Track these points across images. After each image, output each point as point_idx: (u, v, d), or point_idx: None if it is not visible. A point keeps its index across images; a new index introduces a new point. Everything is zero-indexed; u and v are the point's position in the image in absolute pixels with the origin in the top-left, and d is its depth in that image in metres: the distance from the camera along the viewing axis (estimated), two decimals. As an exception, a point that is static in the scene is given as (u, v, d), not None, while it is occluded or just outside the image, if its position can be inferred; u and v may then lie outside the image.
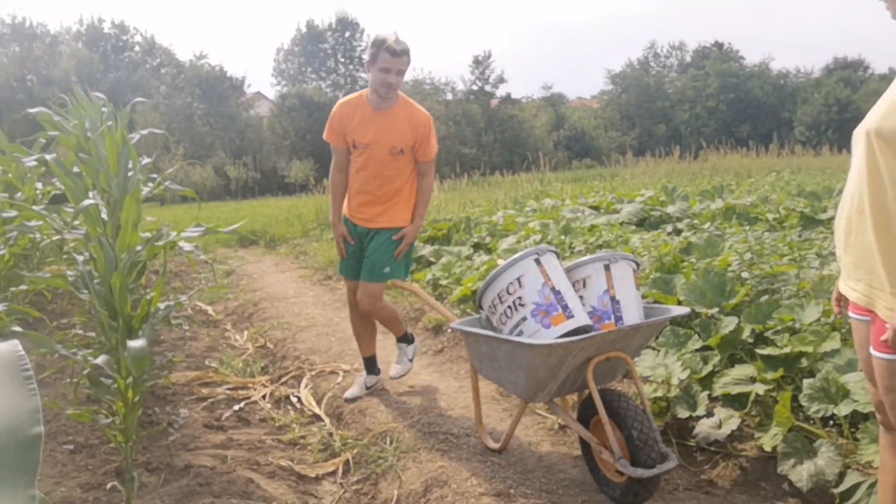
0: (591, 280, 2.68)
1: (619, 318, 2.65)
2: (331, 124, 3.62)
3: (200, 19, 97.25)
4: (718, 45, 48.57)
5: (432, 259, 7.07)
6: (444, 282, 5.95)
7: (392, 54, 3.33)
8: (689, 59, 49.81)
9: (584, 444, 2.75)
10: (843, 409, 2.47)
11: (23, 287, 4.98)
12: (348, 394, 3.88)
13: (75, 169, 3.69)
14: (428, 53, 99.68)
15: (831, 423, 2.65)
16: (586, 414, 2.74)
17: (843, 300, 1.94)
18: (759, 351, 3.04)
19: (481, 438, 3.18)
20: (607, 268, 2.68)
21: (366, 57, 3.48)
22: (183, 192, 4.46)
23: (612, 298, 2.66)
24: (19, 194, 5.99)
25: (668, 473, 2.61)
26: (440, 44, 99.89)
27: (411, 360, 3.97)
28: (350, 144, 3.60)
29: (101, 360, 3.06)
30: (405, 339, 3.97)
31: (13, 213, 4.16)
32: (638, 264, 2.81)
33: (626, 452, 2.50)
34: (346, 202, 3.71)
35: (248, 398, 4.13)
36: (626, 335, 2.60)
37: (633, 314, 2.66)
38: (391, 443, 3.27)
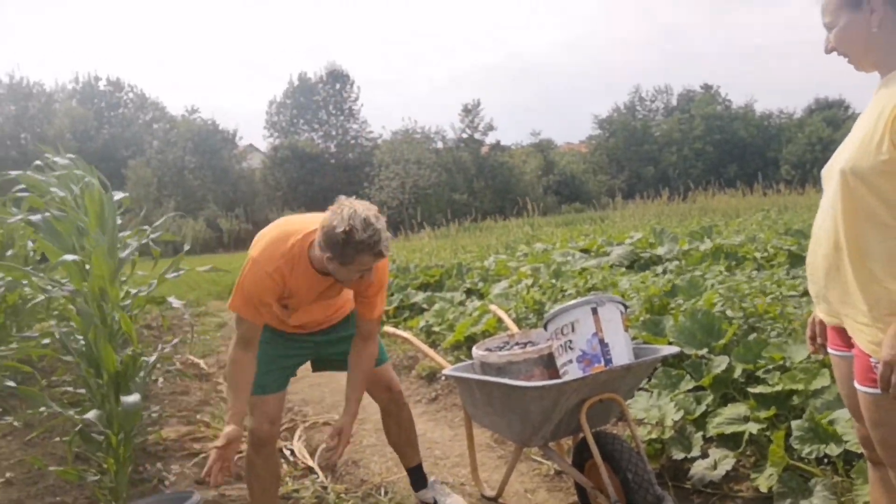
0: (580, 323, 2.69)
1: (608, 361, 2.66)
2: (253, 299, 2.42)
3: (192, 73, 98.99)
4: (706, 87, 49.65)
5: (425, 306, 7.08)
6: (437, 328, 5.95)
7: (378, 257, 2.30)
8: (674, 102, 50.85)
9: (580, 489, 2.73)
10: (834, 449, 2.47)
11: (13, 346, 4.95)
12: None
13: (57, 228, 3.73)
14: (418, 103, 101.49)
15: (826, 460, 2.64)
16: (581, 458, 2.72)
17: (818, 337, 1.95)
18: (750, 390, 3.05)
19: (477, 486, 3.14)
20: (595, 311, 2.70)
21: (322, 243, 2.28)
22: (164, 236, 4.49)
23: (601, 341, 2.67)
24: (10, 252, 6.01)
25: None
26: (429, 93, 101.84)
27: None
28: (277, 305, 2.55)
29: (91, 415, 3.04)
30: None
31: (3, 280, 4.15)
32: (626, 306, 2.84)
33: (621, 496, 2.48)
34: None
35: (241, 452, 4.07)
36: (617, 376, 2.60)
37: (622, 356, 2.67)
38: (386, 494, 3.23)
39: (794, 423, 2.63)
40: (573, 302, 2.73)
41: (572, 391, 2.54)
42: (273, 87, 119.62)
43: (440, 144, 42.12)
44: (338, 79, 46.45)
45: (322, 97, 46.26)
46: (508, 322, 3.46)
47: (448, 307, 6.42)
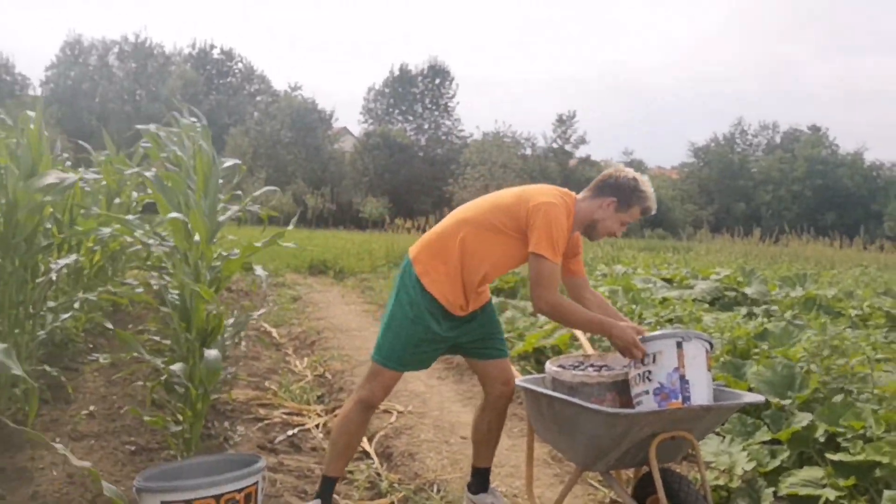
0: (662, 356, 2.63)
1: (686, 398, 2.59)
2: (560, 237, 2.64)
3: (299, 52, 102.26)
4: (814, 129, 47.39)
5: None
6: (506, 336, 5.92)
7: (645, 212, 2.78)
8: (778, 140, 48.76)
9: (637, 523, 2.66)
10: (923, 529, 2.32)
11: (109, 288, 5.26)
12: None
13: (167, 183, 3.93)
14: (511, 107, 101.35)
15: (908, 542, 2.48)
16: (643, 492, 2.66)
17: None
18: (830, 456, 2.89)
19: (530, 501, 3.11)
20: (679, 345, 2.63)
21: (607, 190, 2.74)
22: (263, 213, 4.66)
23: (682, 377, 2.60)
24: (117, 200, 6.39)
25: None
26: (525, 99, 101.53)
27: None
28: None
29: (177, 367, 3.20)
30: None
31: (108, 229, 4.40)
32: (712, 345, 2.75)
33: (680, 538, 2.41)
34: (450, 283, 2.72)
35: (303, 425, 4.20)
36: (695, 415, 2.53)
37: (702, 395, 2.59)
38: (438, 492, 3.25)
39: (887, 493, 2.48)
40: (659, 332, 2.66)
41: (646, 423, 2.48)
42: (374, 74, 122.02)
43: (529, 151, 41.97)
44: (438, 73, 46.99)
45: (420, 90, 46.93)
46: (584, 341, 3.40)
47: (520, 316, 6.38)
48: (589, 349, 3.26)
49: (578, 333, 3.55)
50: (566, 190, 2.80)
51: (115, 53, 43.05)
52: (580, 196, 2.79)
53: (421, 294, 2.69)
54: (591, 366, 2.99)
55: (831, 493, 2.67)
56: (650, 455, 2.48)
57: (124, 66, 42.52)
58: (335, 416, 4.42)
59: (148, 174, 3.98)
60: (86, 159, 6.28)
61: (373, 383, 2.76)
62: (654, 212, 2.80)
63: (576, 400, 2.62)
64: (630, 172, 2.76)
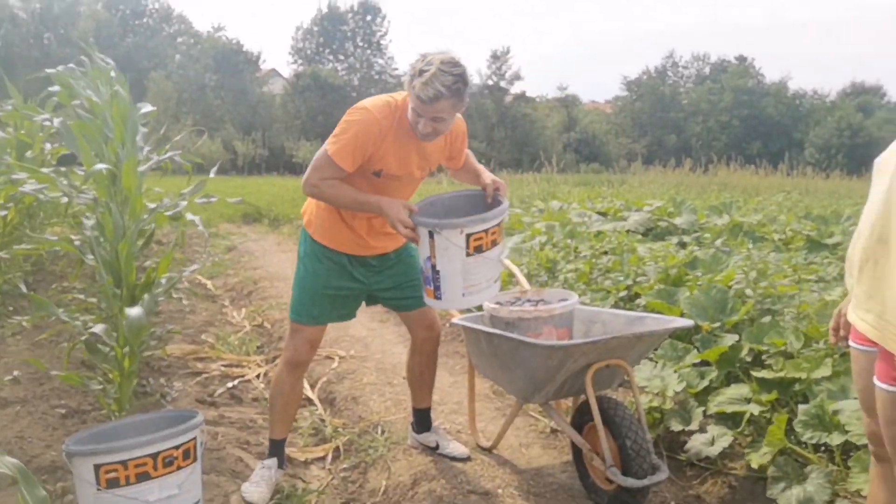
0: (422, 242, 2.47)
1: (437, 289, 2.50)
2: (348, 145, 2.45)
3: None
4: (741, 59, 48.37)
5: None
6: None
7: (422, 101, 2.34)
8: (707, 71, 49.63)
9: (576, 450, 2.75)
10: (835, 439, 2.47)
11: (25, 246, 4.99)
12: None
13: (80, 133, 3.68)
14: (446, 44, 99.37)
15: (822, 449, 2.64)
16: (581, 420, 2.74)
17: (841, 329, 1.93)
18: (754, 373, 3.04)
19: (473, 436, 3.18)
20: (431, 235, 2.44)
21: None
22: (189, 161, 4.46)
23: (433, 267, 2.48)
24: (29, 153, 5.99)
25: (657, 485, 2.62)
26: (459, 36, 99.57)
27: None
28: (368, 169, 2.55)
29: (98, 328, 3.07)
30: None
31: (22, 175, 4.15)
32: (499, 223, 2.50)
33: (618, 461, 2.50)
34: (332, 232, 2.66)
35: (243, 376, 4.14)
36: (628, 343, 2.60)
37: (455, 288, 2.47)
38: (382, 433, 3.28)
39: (801, 408, 2.62)
40: (421, 218, 2.47)
41: (581, 354, 2.53)
42: (302, 13, 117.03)
43: (464, 89, 41.43)
44: (368, 10, 45.48)
45: (350, 28, 45.40)
46: (520, 278, 3.43)
47: (459, 255, 6.40)
48: (525, 285, 3.29)
49: (514, 269, 3.57)
50: (405, 94, 2.48)
51: (16, -6, 39.84)
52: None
53: (311, 244, 2.69)
54: (528, 301, 3.02)
55: (755, 409, 2.81)
56: (586, 384, 2.55)
57: (27, 6, 39.40)
58: (276, 365, 4.37)
59: (57, 122, 3.73)
60: (-12, 110, 5.83)
61: (294, 341, 2.75)
62: (425, 102, 2.33)
63: (513, 335, 2.65)
64: (426, 56, 2.35)
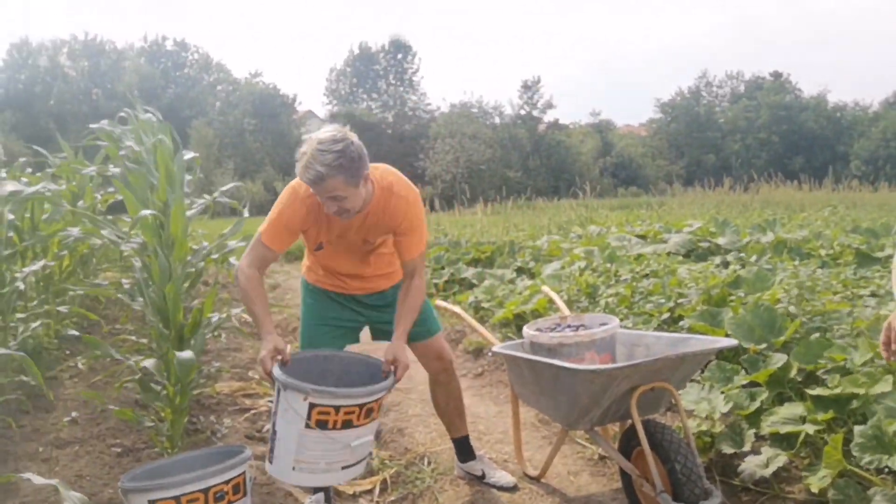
0: (276, 391, 2.29)
1: (271, 450, 2.30)
2: (276, 226, 2.50)
3: (256, 38, 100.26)
4: (776, 75, 47.74)
5: (475, 281, 7.08)
6: (486, 304, 5.95)
7: (310, 184, 2.35)
8: (742, 88, 49.07)
9: (625, 476, 2.71)
10: (897, 460, 2.37)
11: (80, 292, 5.17)
12: None
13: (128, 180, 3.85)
14: (477, 77, 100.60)
15: (886, 471, 2.55)
16: (628, 445, 2.70)
17: (893, 343, 1.88)
18: (809, 391, 2.95)
19: (520, 465, 3.16)
20: (278, 392, 2.26)
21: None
22: (232, 205, 4.61)
23: (273, 424, 2.30)
24: (81, 202, 6.25)
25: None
26: (490, 67, 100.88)
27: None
28: (310, 244, 2.67)
29: (149, 363, 3.17)
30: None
31: (76, 229, 4.32)
32: (337, 407, 2.20)
33: (668, 486, 2.45)
34: (317, 275, 2.80)
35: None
36: (672, 365, 2.56)
37: (286, 456, 2.24)
38: (429, 464, 3.27)
39: (857, 429, 2.53)
40: (280, 373, 2.28)
41: (623, 377, 2.51)
42: (334, 55, 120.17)
43: (497, 120, 41.81)
44: (399, 49, 46.43)
45: (382, 67, 46.37)
46: (560, 304, 3.43)
47: (498, 284, 6.40)
48: (565, 311, 3.29)
49: (553, 296, 3.58)
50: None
51: (66, 53, 41.91)
52: None
53: (305, 283, 2.88)
54: (569, 326, 3.02)
55: (810, 428, 2.72)
56: (631, 408, 2.52)
57: (76, 65, 41.39)
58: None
59: (114, 170, 3.90)
60: (43, 164, 6.13)
61: None
62: (312, 185, 2.33)
63: (553, 360, 2.65)
64: (308, 139, 2.36)
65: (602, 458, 3.26)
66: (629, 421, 2.67)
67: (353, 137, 2.37)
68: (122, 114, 4.24)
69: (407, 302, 2.60)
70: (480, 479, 3.02)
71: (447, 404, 3.03)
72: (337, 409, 2.17)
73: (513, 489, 2.93)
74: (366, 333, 2.95)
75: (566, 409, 2.68)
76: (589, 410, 2.62)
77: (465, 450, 3.08)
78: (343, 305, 2.81)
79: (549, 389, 2.73)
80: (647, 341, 2.95)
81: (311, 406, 2.15)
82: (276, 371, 2.25)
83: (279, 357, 2.32)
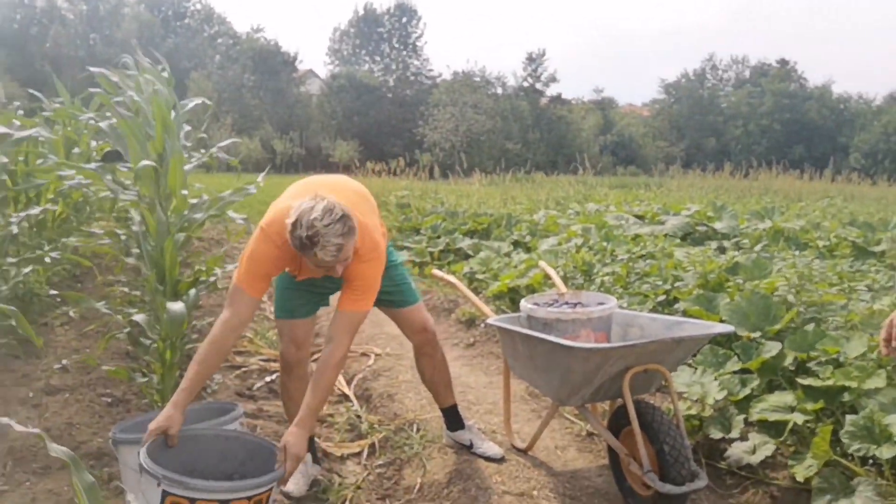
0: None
1: None
2: (250, 274, 2.37)
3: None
4: (783, 63, 47.36)
5: (470, 252, 7.07)
6: (480, 276, 5.95)
7: (330, 262, 2.23)
8: (747, 74, 48.69)
9: (613, 454, 2.73)
10: (885, 452, 2.39)
11: (73, 240, 5.12)
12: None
13: (122, 131, 3.77)
14: (482, 46, 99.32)
15: (871, 462, 2.58)
16: (617, 423, 2.72)
17: (894, 340, 1.88)
18: (800, 380, 2.97)
19: (508, 436, 3.18)
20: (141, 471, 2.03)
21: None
22: (231, 161, 4.55)
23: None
24: (76, 149, 6.17)
25: (696, 493, 2.58)
26: (495, 38, 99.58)
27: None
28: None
29: (140, 318, 3.15)
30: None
31: (70, 171, 4.26)
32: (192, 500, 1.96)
33: (655, 466, 2.47)
34: None
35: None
36: (667, 348, 2.57)
37: None
38: (418, 431, 3.29)
39: (849, 418, 2.56)
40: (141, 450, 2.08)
41: (618, 357, 2.52)
42: (339, 14, 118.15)
43: (500, 91, 41.39)
44: (404, 12, 45.69)
45: (387, 29, 45.67)
46: (557, 281, 3.42)
47: (494, 256, 6.40)
48: (562, 287, 3.28)
49: (551, 272, 3.57)
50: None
51: (64, -5, 41.05)
52: None
53: None
54: (566, 303, 3.01)
55: (799, 417, 2.75)
56: (624, 388, 2.53)
57: (75, 8, 40.52)
58: (313, 360, 4.42)
59: (103, 125, 3.83)
60: (38, 108, 6.02)
61: (282, 344, 2.83)
62: (334, 260, 2.21)
63: (550, 337, 2.64)
64: (294, 213, 2.19)
65: (590, 434, 3.29)
66: (619, 400, 2.69)
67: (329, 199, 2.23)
68: (125, 59, 4.13)
69: (324, 374, 2.34)
70: (468, 448, 3.04)
71: (433, 375, 3.03)
72: (192, 500, 1.95)
73: (500, 460, 2.95)
74: (335, 297, 2.78)
75: (558, 384, 2.69)
76: (581, 387, 2.63)
77: (453, 419, 3.09)
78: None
79: (542, 364, 2.73)
80: (641, 322, 2.95)
81: (165, 494, 1.96)
82: (142, 452, 2.04)
83: (164, 434, 2.15)
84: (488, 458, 2.97)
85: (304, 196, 2.30)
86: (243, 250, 2.44)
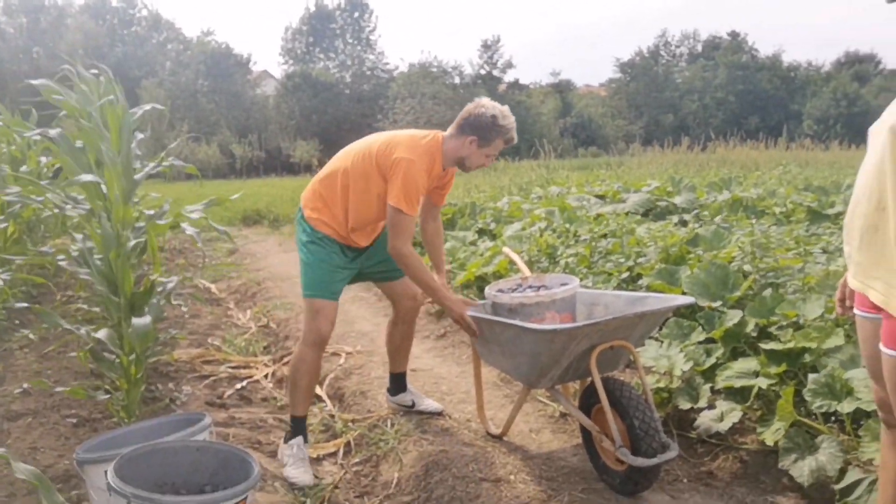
0: None
1: None
2: (415, 192, 2.82)
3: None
4: (734, 35, 48.14)
5: (436, 243, 7.06)
6: (447, 266, 5.94)
7: (508, 143, 2.93)
8: (700, 48, 49.41)
9: (585, 433, 2.76)
10: (846, 407, 2.47)
11: (21, 260, 4.98)
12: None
13: (78, 143, 3.67)
14: (436, 37, 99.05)
15: (833, 419, 2.65)
16: (588, 402, 2.75)
17: (847, 299, 1.93)
18: (762, 345, 3.04)
19: (482, 423, 3.19)
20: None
21: (467, 129, 2.85)
22: (187, 168, 4.46)
23: None
24: (24, 167, 5.98)
25: (668, 463, 2.62)
26: (449, 27, 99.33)
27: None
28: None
29: (102, 334, 3.08)
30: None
31: (15, 188, 4.14)
32: None
33: (627, 441, 2.50)
34: (337, 224, 2.97)
35: (251, 377, 4.15)
36: (630, 324, 2.60)
37: None
38: (392, 426, 3.28)
39: (811, 377, 2.63)
40: None
41: (583, 336, 2.53)
42: (290, 13, 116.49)
43: (457, 80, 41.35)
44: (356, 7, 45.29)
45: (339, 25, 45.22)
46: (521, 265, 3.43)
47: (460, 246, 6.40)
48: (526, 272, 3.29)
49: (514, 257, 3.58)
50: (434, 133, 2.93)
51: (1, 8, 39.75)
52: (447, 133, 2.93)
53: (314, 233, 2.97)
54: (530, 287, 3.02)
55: (763, 382, 2.81)
56: (591, 366, 2.55)
57: (13, 21, 39.28)
58: (284, 364, 4.38)
59: (53, 133, 3.71)
60: (-20, 126, 5.82)
61: (317, 322, 2.94)
62: (514, 141, 2.93)
63: (514, 322, 2.65)
64: (488, 108, 2.85)
65: (563, 415, 3.32)
66: (589, 379, 2.71)
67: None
68: (66, 69, 4.02)
69: (439, 240, 3.28)
70: (411, 408, 3.33)
71: (402, 342, 3.31)
72: None
73: (440, 414, 3.28)
74: None
75: (527, 368, 2.70)
76: (549, 369, 2.65)
77: (400, 383, 3.39)
78: (346, 255, 3.03)
79: (510, 350, 2.74)
80: (605, 300, 2.98)
81: None
82: (109, 471, 2.00)
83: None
84: (430, 414, 3.29)
85: (402, 134, 2.93)
86: (395, 192, 2.75)
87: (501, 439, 3.07)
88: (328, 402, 3.76)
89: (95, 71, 4.16)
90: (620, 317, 2.55)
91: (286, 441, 3.00)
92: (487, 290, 3.00)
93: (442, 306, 2.93)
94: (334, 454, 3.18)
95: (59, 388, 3.14)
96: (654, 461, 2.41)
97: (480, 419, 3.21)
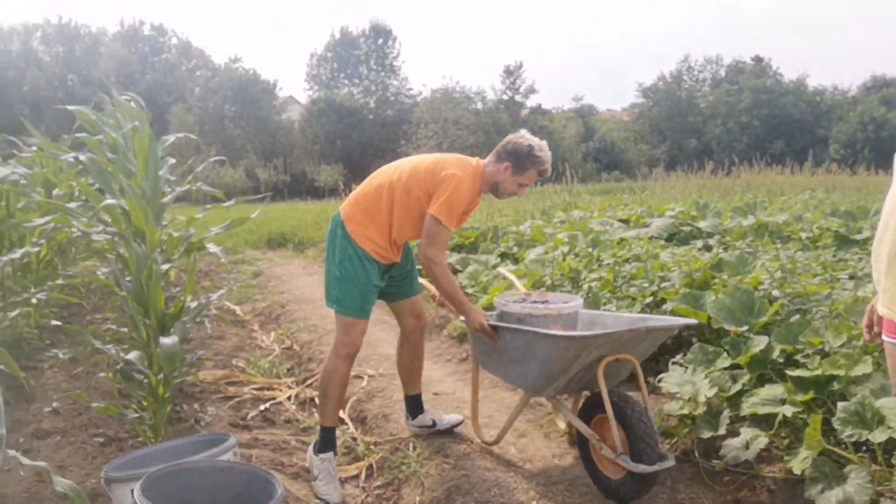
0: None
1: None
2: (459, 208, 2.97)
3: (236, 24, 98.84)
4: (757, 60, 48.01)
5: (459, 267, 7.08)
6: (469, 290, 5.95)
7: (542, 175, 3.07)
8: (723, 73, 49.31)
9: (582, 440, 2.82)
10: (878, 436, 2.41)
11: (59, 282, 5.10)
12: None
13: (107, 168, 3.77)
14: (459, 62, 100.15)
15: (864, 448, 2.59)
16: (588, 412, 2.84)
17: (875, 325, 1.91)
18: (789, 372, 2.99)
19: (476, 432, 3.25)
20: None
21: (504, 156, 3.01)
22: (214, 192, 4.56)
23: None
24: (56, 190, 6.14)
25: (666, 471, 2.67)
26: (472, 53, 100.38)
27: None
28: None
29: (133, 355, 3.14)
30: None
31: (47, 217, 4.23)
32: None
33: (627, 451, 2.59)
34: (381, 237, 3.05)
35: (274, 399, 4.18)
36: (638, 337, 2.70)
37: None
38: (414, 449, 3.28)
39: (840, 405, 2.58)
40: None
41: (595, 346, 2.64)
42: (315, 40, 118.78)
43: (480, 105, 41.67)
44: (380, 34, 46.02)
45: (363, 52, 45.93)
46: (518, 284, 3.65)
47: (482, 270, 6.41)
48: (521, 290, 3.47)
49: (512, 277, 3.80)
50: (477, 159, 3.10)
51: (39, 37, 41.01)
52: (486, 160, 3.07)
53: (356, 249, 3.01)
54: (534, 302, 3.11)
55: (789, 410, 2.76)
56: (598, 376, 2.64)
57: (50, 50, 40.56)
58: (308, 386, 4.41)
59: (83, 157, 3.82)
60: (13, 153, 6.01)
61: (351, 336, 3.04)
62: (548, 174, 3.07)
63: (533, 328, 2.77)
64: (526, 139, 3.00)
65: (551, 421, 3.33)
66: (586, 392, 2.89)
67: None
68: (101, 97, 4.15)
69: (413, 366, 3.39)
70: (432, 427, 3.35)
71: (412, 363, 3.34)
72: None
73: (460, 423, 3.37)
74: None
75: (535, 375, 2.78)
76: (557, 377, 2.75)
77: (416, 406, 3.39)
78: (380, 273, 3.11)
79: (518, 356, 2.83)
80: (604, 321, 3.11)
81: None
82: (136, 490, 2.02)
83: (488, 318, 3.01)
84: (453, 427, 3.35)
85: (448, 156, 3.07)
86: (439, 203, 2.87)
87: (514, 465, 3.06)
88: (350, 424, 3.77)
89: (128, 97, 4.29)
90: (632, 329, 2.67)
91: (316, 452, 3.04)
92: (496, 300, 3.15)
93: (463, 315, 3.03)
94: (356, 477, 3.19)
95: (94, 405, 3.21)
96: (654, 468, 2.51)
97: (474, 428, 3.28)
